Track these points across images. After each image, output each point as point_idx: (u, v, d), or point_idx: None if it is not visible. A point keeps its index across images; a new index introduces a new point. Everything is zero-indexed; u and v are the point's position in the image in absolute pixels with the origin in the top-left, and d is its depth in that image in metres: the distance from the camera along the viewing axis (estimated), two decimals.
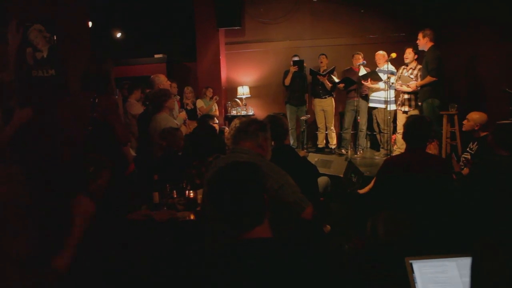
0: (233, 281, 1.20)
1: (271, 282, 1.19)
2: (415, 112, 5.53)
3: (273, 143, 2.58)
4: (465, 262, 1.57)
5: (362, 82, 6.24)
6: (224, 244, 1.35)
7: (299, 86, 6.77)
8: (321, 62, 6.74)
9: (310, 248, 1.38)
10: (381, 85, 5.99)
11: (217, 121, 6.86)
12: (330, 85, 6.63)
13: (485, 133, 3.77)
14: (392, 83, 5.79)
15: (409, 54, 5.63)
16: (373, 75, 6.10)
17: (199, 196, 2.68)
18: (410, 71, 5.64)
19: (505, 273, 0.99)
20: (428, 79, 5.11)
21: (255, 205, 1.32)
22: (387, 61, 5.94)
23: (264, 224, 1.33)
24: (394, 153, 5.63)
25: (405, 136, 2.75)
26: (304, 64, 6.81)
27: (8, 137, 2.20)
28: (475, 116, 3.88)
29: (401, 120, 5.72)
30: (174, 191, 2.77)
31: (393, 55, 5.74)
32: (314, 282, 1.24)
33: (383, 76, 5.94)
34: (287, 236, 2.15)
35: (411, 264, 1.60)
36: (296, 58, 6.84)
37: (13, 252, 1.54)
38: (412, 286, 1.56)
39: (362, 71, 6.32)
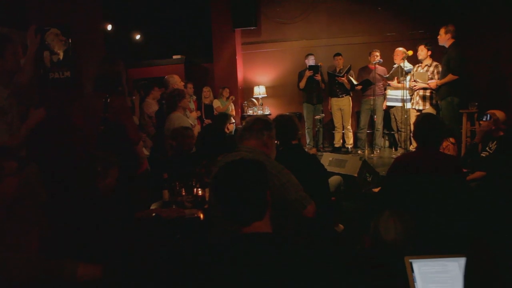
0: (232, 274, 1.23)
1: (269, 276, 1.21)
2: (430, 110, 5.40)
3: (277, 142, 2.59)
4: None
5: (389, 83, 6.14)
6: (225, 238, 1.39)
7: (314, 88, 6.75)
8: (338, 62, 6.69)
9: (310, 245, 1.40)
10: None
11: (234, 121, 6.91)
12: (349, 84, 6.57)
13: (501, 133, 3.66)
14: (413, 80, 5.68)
15: (421, 51, 5.51)
16: (399, 73, 6.01)
17: (207, 194, 2.72)
18: (426, 67, 5.52)
19: (498, 274, 0.98)
20: (450, 77, 4.98)
21: (256, 200, 1.35)
22: (403, 58, 5.84)
23: (264, 219, 1.36)
24: None
25: (415, 135, 2.70)
26: (320, 64, 6.78)
27: (24, 136, 2.31)
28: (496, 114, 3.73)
29: (414, 119, 5.61)
30: (183, 189, 2.83)
31: (410, 52, 5.64)
32: (310, 277, 1.26)
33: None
34: (291, 233, 2.17)
35: (410, 263, 1.58)
36: (311, 60, 6.81)
37: (28, 244, 1.62)
38: (412, 286, 1.54)
39: (379, 71, 6.25)
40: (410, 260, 1.60)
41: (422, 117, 2.78)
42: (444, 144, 3.28)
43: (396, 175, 2.66)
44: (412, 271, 1.58)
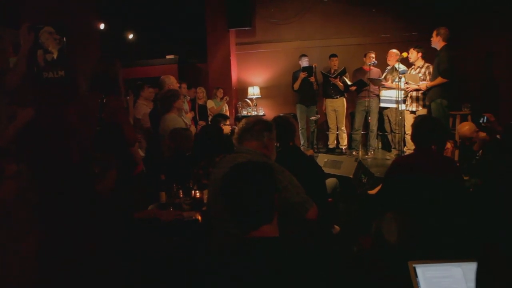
0: (241, 279, 1.22)
1: (278, 281, 1.20)
2: (423, 111, 5.44)
3: (277, 144, 2.57)
4: (471, 267, 1.54)
5: (382, 83, 6.15)
6: (231, 242, 1.36)
7: (308, 89, 6.75)
8: (333, 64, 6.71)
9: (317, 248, 1.38)
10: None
11: (228, 123, 6.86)
12: (342, 85, 6.59)
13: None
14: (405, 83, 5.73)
15: (411, 54, 5.59)
16: (392, 73, 6.03)
17: (205, 196, 2.68)
18: (418, 69, 5.58)
19: (510, 279, 0.98)
20: (439, 80, 5.04)
21: (267, 203, 1.34)
22: (397, 60, 5.87)
23: (273, 223, 1.35)
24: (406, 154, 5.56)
25: (413, 137, 2.70)
26: (314, 65, 6.78)
27: (11, 137, 2.23)
28: (464, 129, 3.70)
29: (408, 120, 5.65)
30: (181, 191, 2.79)
31: (404, 54, 5.67)
32: (319, 282, 1.24)
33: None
34: (293, 236, 2.14)
35: (414, 268, 1.58)
36: (305, 62, 6.80)
37: (20, 248, 1.57)
38: None
39: (374, 73, 6.28)
40: (413, 265, 1.59)
41: (421, 119, 2.78)
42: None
43: (395, 177, 2.65)
44: (416, 276, 1.57)
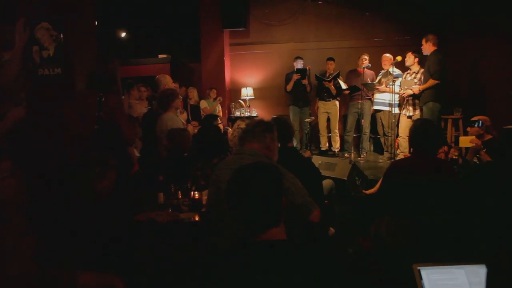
0: (250, 282, 1.20)
1: (288, 284, 1.18)
2: (418, 115, 5.51)
3: (279, 144, 2.56)
4: (474, 270, 1.56)
5: (376, 88, 6.18)
6: (238, 245, 1.35)
7: (301, 91, 6.76)
8: (329, 67, 6.73)
9: (324, 251, 1.37)
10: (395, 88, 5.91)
11: (221, 121, 6.84)
12: (335, 90, 6.61)
13: (489, 136, 3.74)
14: (398, 86, 5.79)
15: (408, 58, 5.66)
16: (386, 76, 6.08)
17: (204, 197, 2.66)
18: (414, 75, 5.64)
19: None
20: (431, 82, 5.12)
21: (275, 206, 1.32)
22: (392, 64, 5.93)
23: (281, 226, 1.33)
24: (398, 157, 5.61)
25: (411, 140, 2.72)
26: (308, 67, 6.79)
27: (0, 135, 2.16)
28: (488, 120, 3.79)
29: (404, 124, 5.70)
30: (179, 192, 2.76)
31: (398, 58, 5.72)
32: (329, 285, 1.24)
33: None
34: (295, 239, 2.14)
35: (419, 271, 1.58)
36: (300, 64, 6.81)
37: (14, 250, 1.52)
38: None
39: (368, 75, 6.33)
40: (418, 268, 1.60)
41: (420, 122, 2.79)
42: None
43: (394, 180, 2.67)
44: (421, 278, 1.58)
